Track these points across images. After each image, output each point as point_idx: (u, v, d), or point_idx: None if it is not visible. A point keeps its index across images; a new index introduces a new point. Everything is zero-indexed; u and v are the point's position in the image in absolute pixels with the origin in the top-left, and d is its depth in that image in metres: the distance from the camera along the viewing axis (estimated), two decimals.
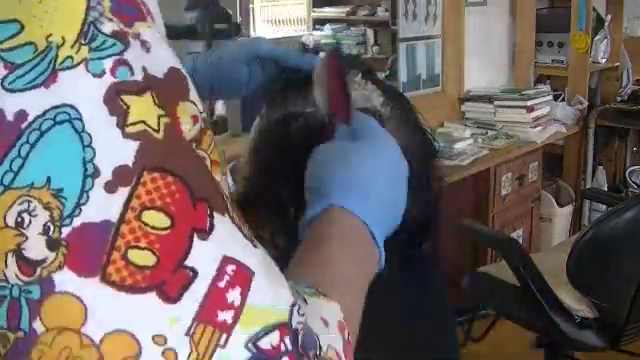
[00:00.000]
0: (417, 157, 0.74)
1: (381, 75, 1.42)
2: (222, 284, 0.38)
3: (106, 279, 0.36)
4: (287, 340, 0.39)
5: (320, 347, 0.43)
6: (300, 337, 0.41)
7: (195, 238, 0.38)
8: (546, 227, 3.41)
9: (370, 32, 3.92)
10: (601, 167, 3.82)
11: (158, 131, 0.38)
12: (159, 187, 0.37)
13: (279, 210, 0.71)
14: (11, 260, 0.36)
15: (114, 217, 0.36)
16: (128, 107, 0.37)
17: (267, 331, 0.39)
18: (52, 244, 0.36)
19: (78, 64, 0.37)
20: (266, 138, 0.77)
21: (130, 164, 0.37)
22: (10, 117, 0.36)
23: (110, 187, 0.36)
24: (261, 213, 0.72)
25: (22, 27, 0.37)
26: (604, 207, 3.24)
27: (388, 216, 0.59)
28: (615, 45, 3.89)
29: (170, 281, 0.37)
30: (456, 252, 2.94)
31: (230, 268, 0.39)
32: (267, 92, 0.80)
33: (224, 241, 0.39)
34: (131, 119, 0.37)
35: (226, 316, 0.38)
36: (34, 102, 0.36)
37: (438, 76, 3.29)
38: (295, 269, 0.51)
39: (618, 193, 3.72)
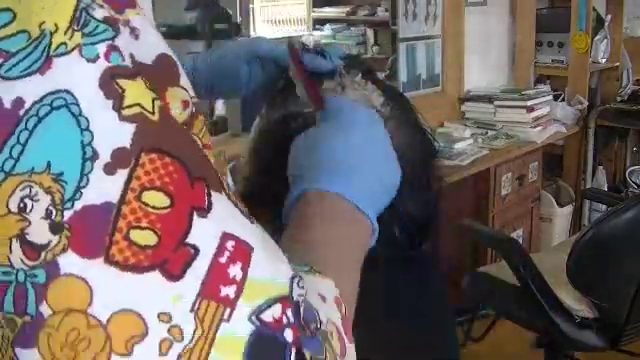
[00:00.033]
0: (417, 157, 0.74)
1: (381, 75, 1.42)
2: (223, 260, 0.38)
3: (110, 260, 0.36)
4: (289, 312, 0.40)
5: (320, 321, 0.43)
6: (302, 310, 0.41)
7: (195, 216, 0.38)
8: (546, 227, 3.41)
9: (370, 32, 3.91)
10: (601, 167, 3.82)
11: (154, 113, 0.38)
12: (157, 168, 0.38)
13: (279, 210, 0.71)
14: (15, 245, 0.36)
15: (115, 198, 0.37)
16: (123, 90, 0.38)
17: (269, 304, 0.39)
18: (55, 228, 0.36)
19: (72, 50, 0.37)
20: (266, 138, 0.77)
21: (128, 146, 0.37)
22: (8, 105, 0.36)
23: (109, 169, 0.37)
24: (261, 213, 0.72)
25: (14, 15, 0.37)
26: (604, 207, 3.24)
27: (374, 186, 0.59)
28: (615, 45, 3.89)
29: (172, 259, 0.37)
30: (456, 252, 2.94)
31: (230, 244, 0.39)
32: (267, 92, 0.80)
33: (223, 218, 0.40)
34: (127, 102, 0.38)
35: (229, 291, 0.38)
36: (30, 89, 0.37)
37: (438, 76, 3.29)
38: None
39: (618, 193, 3.72)
